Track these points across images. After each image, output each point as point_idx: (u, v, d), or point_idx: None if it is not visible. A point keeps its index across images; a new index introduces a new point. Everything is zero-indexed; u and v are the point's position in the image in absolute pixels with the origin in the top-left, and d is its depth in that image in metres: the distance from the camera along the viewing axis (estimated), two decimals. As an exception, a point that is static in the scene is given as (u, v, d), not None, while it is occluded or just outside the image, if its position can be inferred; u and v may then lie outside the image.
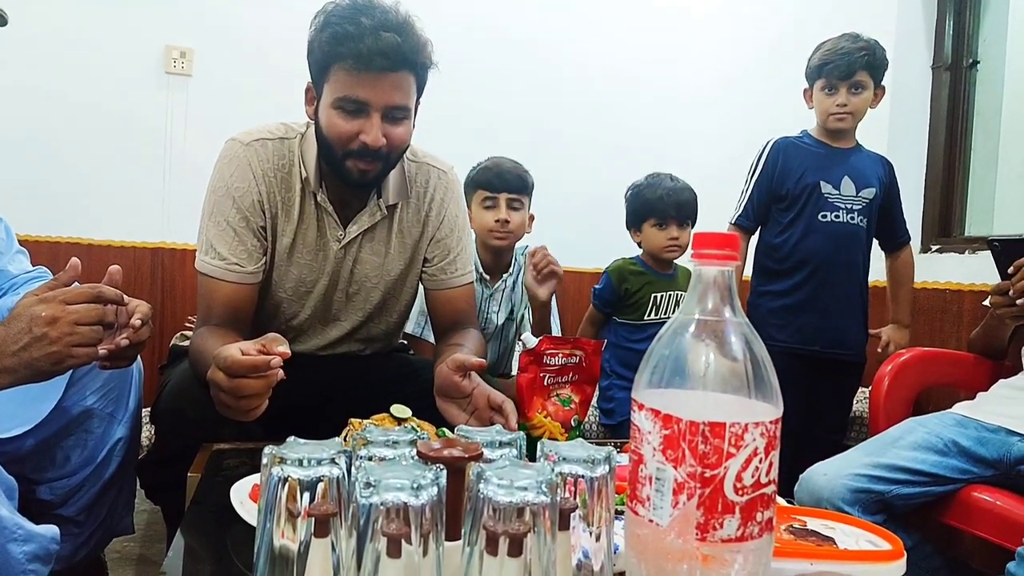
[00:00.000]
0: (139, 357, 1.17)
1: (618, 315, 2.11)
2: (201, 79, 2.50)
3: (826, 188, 1.91)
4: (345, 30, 1.13)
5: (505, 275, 2.05)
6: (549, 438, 1.13)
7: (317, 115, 1.24)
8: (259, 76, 2.49)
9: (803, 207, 1.92)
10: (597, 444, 0.64)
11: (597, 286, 2.16)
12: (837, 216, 1.90)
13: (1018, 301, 1.39)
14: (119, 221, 2.44)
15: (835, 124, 1.90)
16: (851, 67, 1.83)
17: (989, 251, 1.46)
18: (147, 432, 1.61)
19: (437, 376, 1.16)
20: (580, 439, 0.70)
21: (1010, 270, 1.40)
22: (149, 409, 1.31)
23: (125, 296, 1.02)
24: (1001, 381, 1.53)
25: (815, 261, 1.91)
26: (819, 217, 1.91)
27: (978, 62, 2.32)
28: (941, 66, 2.36)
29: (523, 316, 2.14)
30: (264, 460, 0.57)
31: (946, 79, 2.35)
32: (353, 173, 1.22)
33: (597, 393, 2.08)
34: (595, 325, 2.17)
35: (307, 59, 1.23)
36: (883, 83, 1.91)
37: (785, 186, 1.93)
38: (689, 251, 0.64)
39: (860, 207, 1.91)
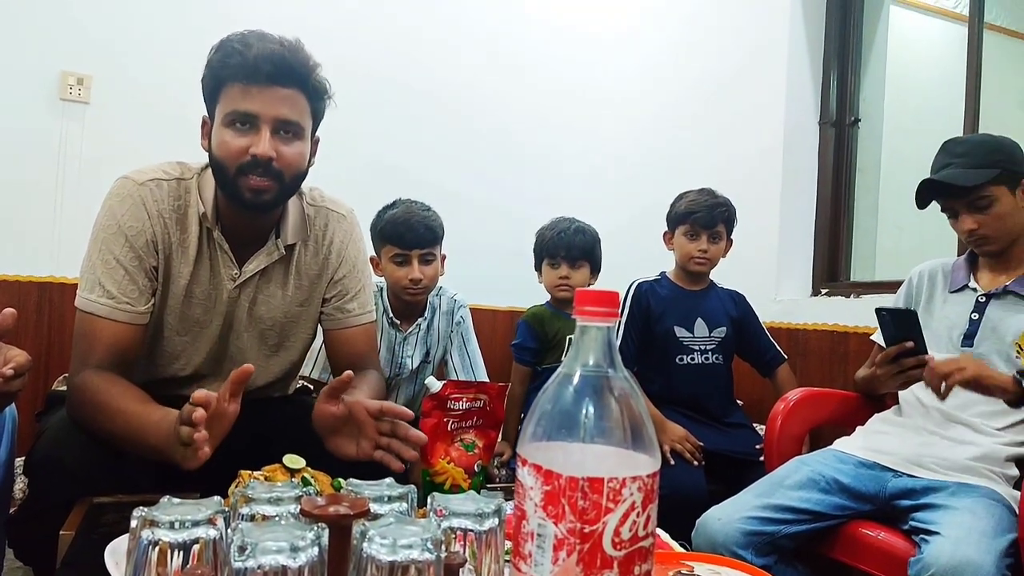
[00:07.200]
0: (14, 403, 1.10)
1: (541, 364, 2.13)
2: (99, 107, 2.39)
3: (680, 332, 2.04)
4: (234, 48, 1.17)
5: (419, 319, 2.04)
6: (452, 484, 1.13)
7: (211, 142, 1.22)
8: (159, 106, 2.40)
9: (662, 351, 2.02)
10: (489, 491, 0.65)
11: (515, 341, 2.16)
12: (693, 358, 2.03)
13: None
14: (4, 253, 2.29)
15: (696, 267, 2.05)
16: (714, 219, 2.02)
17: (876, 319, 1.47)
18: (20, 484, 1.49)
19: (314, 418, 1.13)
20: (472, 492, 0.70)
21: (941, 386, 1.33)
22: (23, 459, 1.22)
23: (1, 344, 0.95)
24: (876, 415, 1.62)
25: (680, 400, 2.00)
26: (676, 360, 2.02)
27: (859, 119, 2.51)
28: (827, 122, 2.53)
29: (443, 358, 2.12)
30: (133, 523, 0.55)
31: (831, 135, 2.52)
32: (246, 193, 1.19)
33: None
34: (524, 382, 2.15)
35: (202, 90, 1.23)
36: (731, 236, 2.08)
37: (651, 329, 2.03)
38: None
39: (713, 346, 2.05)
